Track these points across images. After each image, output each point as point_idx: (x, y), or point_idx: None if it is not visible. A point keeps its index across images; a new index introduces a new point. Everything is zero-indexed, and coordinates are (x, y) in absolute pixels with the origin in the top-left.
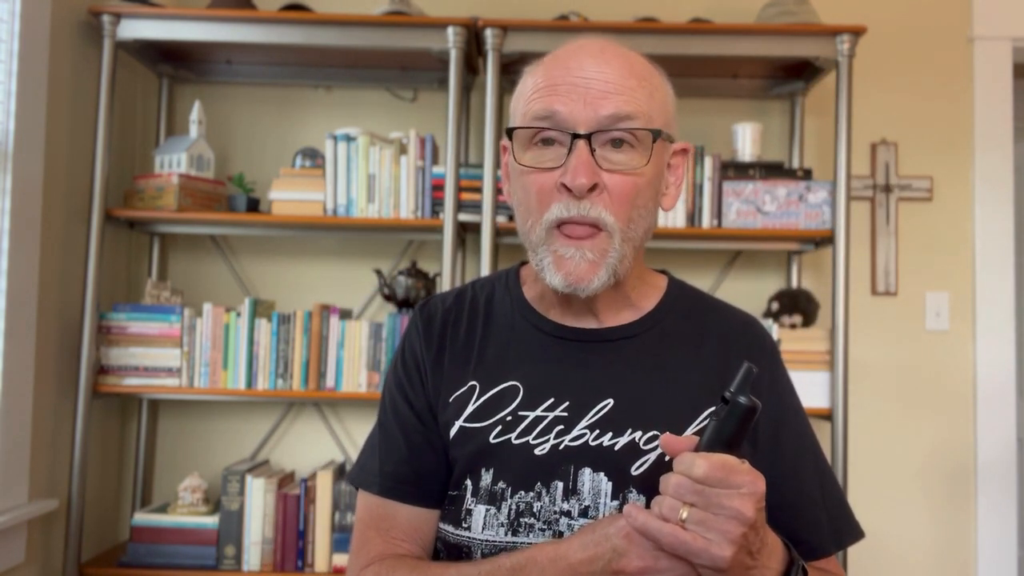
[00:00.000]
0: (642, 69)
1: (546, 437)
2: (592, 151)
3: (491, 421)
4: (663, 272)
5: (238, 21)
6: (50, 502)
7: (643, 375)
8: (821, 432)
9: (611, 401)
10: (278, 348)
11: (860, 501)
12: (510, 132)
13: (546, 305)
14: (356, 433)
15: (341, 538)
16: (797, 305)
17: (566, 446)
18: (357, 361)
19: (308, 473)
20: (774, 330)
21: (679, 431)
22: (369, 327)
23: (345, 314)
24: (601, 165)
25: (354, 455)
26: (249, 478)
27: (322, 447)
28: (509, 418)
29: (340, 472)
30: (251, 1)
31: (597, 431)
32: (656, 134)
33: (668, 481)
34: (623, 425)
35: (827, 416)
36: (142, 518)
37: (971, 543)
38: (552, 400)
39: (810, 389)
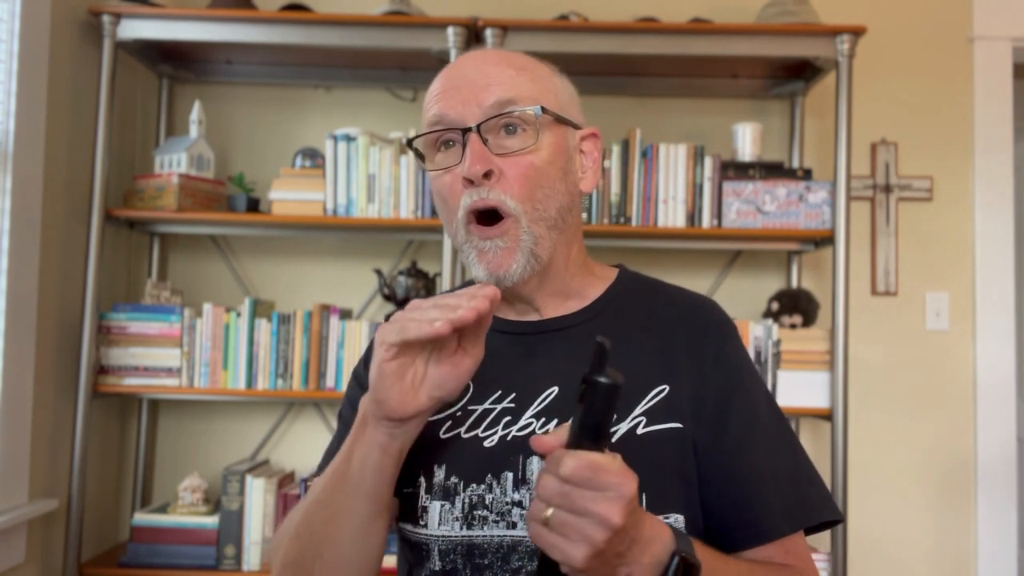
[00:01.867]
0: (524, 62)
1: (494, 429)
2: (485, 141)
3: (441, 417)
4: (618, 266)
5: (238, 21)
6: (50, 502)
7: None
8: (821, 432)
9: (556, 389)
10: (278, 348)
11: (859, 501)
12: (410, 143)
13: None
14: None
15: None
16: (797, 305)
17: (514, 436)
18: (357, 361)
19: (308, 473)
20: (774, 330)
21: (626, 413)
22: (369, 327)
23: (345, 314)
24: (495, 152)
25: None
26: (249, 478)
27: (322, 447)
28: (459, 413)
29: None
30: (251, 1)
31: (543, 419)
32: (540, 110)
33: (537, 480)
34: (568, 412)
35: (827, 416)
36: (142, 518)
37: (971, 543)
38: (499, 392)
39: (810, 389)
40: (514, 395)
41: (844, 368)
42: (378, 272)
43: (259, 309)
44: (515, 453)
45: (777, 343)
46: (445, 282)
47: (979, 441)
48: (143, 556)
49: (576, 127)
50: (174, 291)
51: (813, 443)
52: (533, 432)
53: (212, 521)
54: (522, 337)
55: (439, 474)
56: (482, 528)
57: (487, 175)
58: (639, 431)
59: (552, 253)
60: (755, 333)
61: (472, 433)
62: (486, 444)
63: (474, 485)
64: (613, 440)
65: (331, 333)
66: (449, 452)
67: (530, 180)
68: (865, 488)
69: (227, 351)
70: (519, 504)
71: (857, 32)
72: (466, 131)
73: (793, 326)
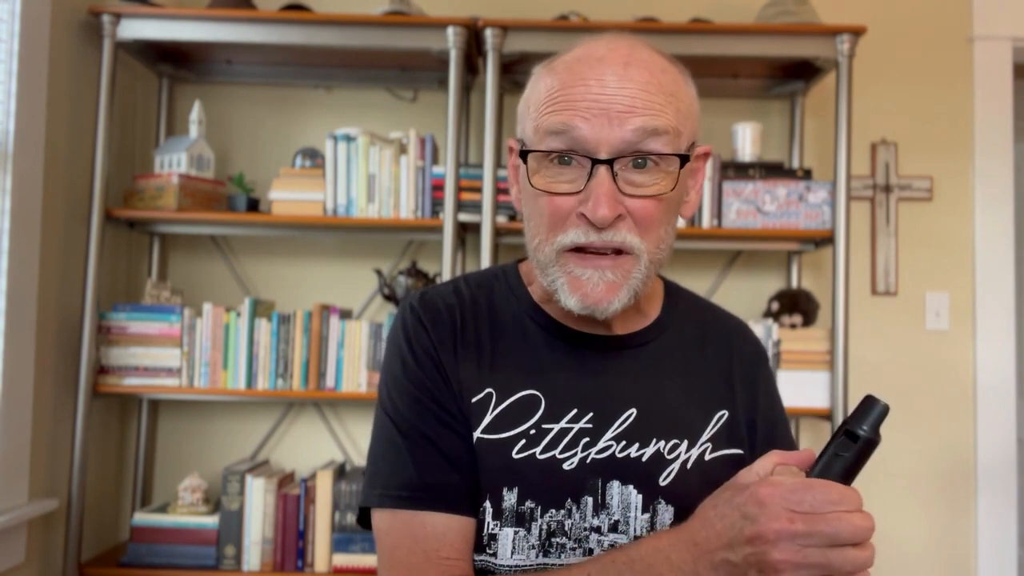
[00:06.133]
0: (668, 82)
1: (573, 451)
2: (614, 175)
3: (512, 434)
4: None
5: (238, 21)
6: (50, 502)
7: (661, 383)
8: (821, 432)
9: (634, 411)
10: (278, 348)
11: None
12: (524, 155)
13: (556, 308)
14: (356, 433)
15: (341, 538)
16: (797, 305)
17: (593, 459)
18: (357, 361)
19: (308, 473)
20: (774, 330)
21: (695, 438)
22: (369, 327)
23: (345, 314)
24: (624, 190)
25: (354, 455)
26: (249, 478)
27: (322, 447)
28: (533, 431)
29: (340, 472)
30: (251, 1)
31: (624, 442)
32: (685, 159)
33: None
34: (648, 435)
35: (827, 416)
36: (142, 518)
37: (971, 543)
38: (575, 411)
39: (810, 389)
40: (591, 415)
41: (844, 368)
42: (378, 272)
43: (259, 309)
44: (595, 476)
45: (777, 343)
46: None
47: (979, 441)
48: (143, 556)
49: (696, 145)
50: (174, 291)
51: (813, 443)
52: (613, 455)
53: (212, 521)
54: (593, 352)
55: (509, 498)
56: (559, 556)
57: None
58: (707, 457)
59: (647, 289)
60: (755, 333)
61: (549, 454)
62: (565, 467)
63: (553, 511)
64: (687, 467)
65: (331, 333)
66: (523, 474)
67: (656, 221)
68: (864, 488)
69: (227, 351)
70: (597, 530)
71: (857, 32)
72: (596, 162)
73: (793, 326)
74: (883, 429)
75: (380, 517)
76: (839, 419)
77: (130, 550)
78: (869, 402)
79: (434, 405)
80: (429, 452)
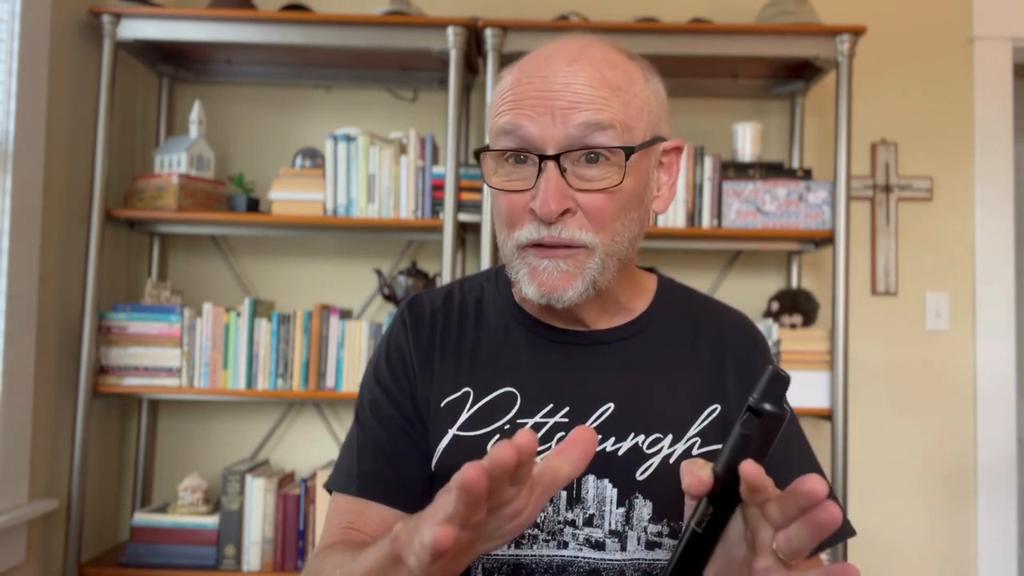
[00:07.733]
0: (616, 77)
1: (547, 445)
2: (563, 171)
3: (488, 430)
4: (651, 270)
5: (238, 21)
6: (50, 502)
7: (641, 377)
8: (821, 432)
9: (611, 405)
10: (278, 348)
11: (860, 501)
12: (478, 155)
13: (535, 307)
14: None
15: None
16: (797, 305)
17: None
18: (357, 361)
19: (308, 473)
20: (774, 330)
21: (681, 433)
22: (369, 327)
23: (345, 314)
24: (573, 185)
25: None
26: (249, 478)
27: (322, 447)
28: (507, 427)
29: None
30: (251, 1)
31: (600, 436)
32: (629, 151)
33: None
34: (625, 429)
35: (827, 416)
36: (142, 518)
37: (971, 543)
38: (551, 406)
39: (810, 389)
40: (567, 409)
41: (844, 368)
42: (378, 272)
43: (259, 309)
44: None
45: (777, 343)
46: (445, 282)
47: (979, 441)
48: (143, 556)
49: (663, 139)
50: (174, 291)
51: (813, 443)
52: None
53: (212, 521)
54: (571, 347)
55: None
56: (531, 547)
57: (562, 213)
58: (695, 452)
59: (611, 280)
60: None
61: None
62: (538, 460)
63: None
64: (670, 462)
65: (331, 333)
66: None
67: (608, 215)
68: (865, 488)
69: (227, 351)
70: (571, 523)
71: (857, 32)
72: (543, 158)
73: (793, 326)
74: (883, 429)
75: (331, 499)
76: (839, 419)
77: (130, 550)
78: (769, 375)
79: (391, 406)
80: (374, 446)
